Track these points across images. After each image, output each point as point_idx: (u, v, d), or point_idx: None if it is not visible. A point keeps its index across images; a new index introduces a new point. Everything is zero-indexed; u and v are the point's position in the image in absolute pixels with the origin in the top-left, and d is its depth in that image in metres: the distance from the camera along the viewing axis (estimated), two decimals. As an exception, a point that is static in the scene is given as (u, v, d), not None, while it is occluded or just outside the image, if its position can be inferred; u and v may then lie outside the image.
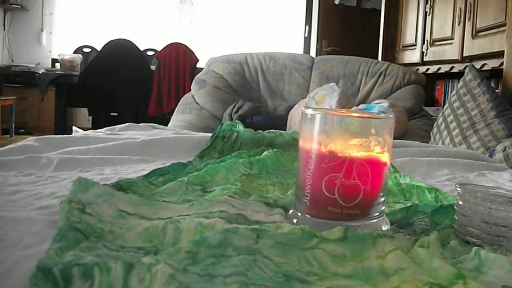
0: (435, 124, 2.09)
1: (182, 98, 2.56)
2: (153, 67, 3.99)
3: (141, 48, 4.03)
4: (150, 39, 5.53)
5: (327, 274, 0.43)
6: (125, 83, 3.80)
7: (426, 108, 2.50)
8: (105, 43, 3.83)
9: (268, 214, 0.59)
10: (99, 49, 4.08)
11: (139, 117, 3.48)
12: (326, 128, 0.56)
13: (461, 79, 2.01)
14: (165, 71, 3.92)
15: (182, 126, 2.20)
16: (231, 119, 2.16)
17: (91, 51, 4.92)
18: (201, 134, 1.30)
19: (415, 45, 3.19)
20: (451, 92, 2.58)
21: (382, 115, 0.60)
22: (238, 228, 0.46)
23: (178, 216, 0.55)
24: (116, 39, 3.84)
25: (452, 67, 2.70)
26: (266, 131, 1.12)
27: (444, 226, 0.59)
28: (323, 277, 0.43)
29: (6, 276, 0.39)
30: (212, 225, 0.51)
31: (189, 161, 0.91)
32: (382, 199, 0.57)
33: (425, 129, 2.21)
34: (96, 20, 5.96)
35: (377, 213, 0.57)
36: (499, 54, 2.14)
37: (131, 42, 3.84)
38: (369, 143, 0.55)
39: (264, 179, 0.80)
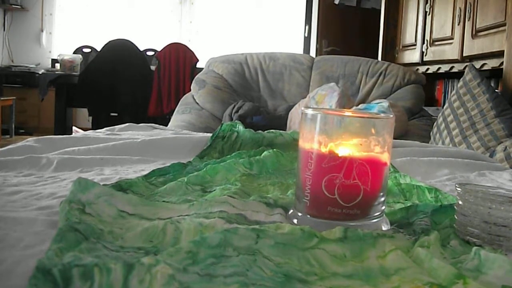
0: (435, 124, 2.09)
1: (182, 98, 2.55)
2: (153, 67, 3.99)
3: (141, 48, 4.03)
4: (150, 39, 5.53)
5: (327, 274, 0.43)
6: (125, 83, 3.80)
7: (426, 108, 2.50)
8: (105, 43, 3.83)
9: (268, 214, 0.59)
10: (99, 49, 4.08)
11: (139, 117, 3.47)
12: (326, 128, 0.56)
13: (461, 79, 2.01)
14: (165, 71, 3.91)
15: (182, 126, 2.20)
16: (231, 119, 2.16)
17: (91, 51, 4.92)
18: (201, 134, 1.30)
19: (415, 45, 3.19)
20: (451, 92, 2.57)
21: (382, 115, 0.60)
22: (238, 228, 0.46)
23: (178, 216, 0.55)
24: (116, 39, 3.84)
25: (452, 67, 2.70)
26: (266, 131, 1.12)
27: (444, 226, 0.59)
28: (323, 277, 0.43)
29: (6, 277, 0.39)
30: (212, 225, 0.51)
31: (189, 161, 0.91)
32: (382, 199, 0.57)
33: (425, 129, 2.20)
34: (96, 20, 5.97)
35: (377, 213, 0.57)
36: (499, 54, 2.13)
37: (131, 42, 3.83)
38: (369, 143, 0.55)
39: (264, 179, 0.80)
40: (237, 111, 2.19)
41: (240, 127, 1.12)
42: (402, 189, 0.78)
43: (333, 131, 0.56)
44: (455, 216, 0.57)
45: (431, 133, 2.10)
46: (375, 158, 0.55)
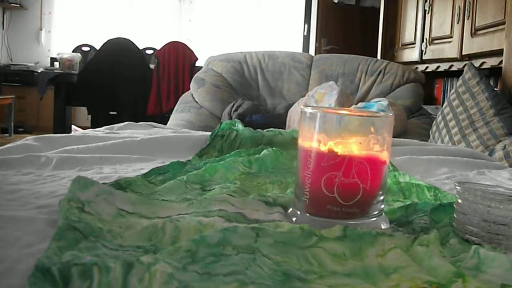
0: (434, 122, 2.09)
1: (181, 97, 2.55)
2: (152, 66, 3.99)
3: (140, 47, 4.02)
4: (149, 37, 5.52)
5: (326, 273, 0.43)
6: (124, 82, 3.80)
7: (425, 107, 2.50)
8: (104, 42, 3.82)
9: (267, 212, 0.59)
10: (98, 48, 4.07)
11: (138, 116, 3.47)
12: (326, 126, 0.56)
13: (460, 77, 2.01)
14: (164, 70, 3.91)
15: (181, 125, 2.19)
16: (230, 118, 2.16)
17: (90, 50, 4.91)
18: (200, 133, 1.30)
19: (414, 43, 3.19)
20: (450, 91, 2.57)
21: (381, 113, 0.60)
22: (237, 227, 0.46)
23: (178, 215, 0.55)
24: (115, 38, 3.83)
25: (451, 66, 2.70)
26: (265, 130, 1.12)
27: (443, 224, 0.59)
28: (322, 275, 0.43)
29: (5, 275, 0.39)
30: (212, 224, 0.51)
31: (188, 160, 0.91)
32: (381, 197, 0.57)
33: (424, 127, 2.21)
34: (95, 19, 5.96)
35: (376, 212, 0.57)
36: (498, 53, 2.13)
37: (130, 41, 3.83)
38: (368, 142, 0.55)
39: (263, 178, 0.80)
40: (236, 110, 2.19)
41: (239, 126, 1.12)
42: (401, 188, 0.78)
43: (332, 129, 0.56)
44: (454, 214, 0.57)
45: (430, 131, 2.10)
46: (374, 156, 0.55)
